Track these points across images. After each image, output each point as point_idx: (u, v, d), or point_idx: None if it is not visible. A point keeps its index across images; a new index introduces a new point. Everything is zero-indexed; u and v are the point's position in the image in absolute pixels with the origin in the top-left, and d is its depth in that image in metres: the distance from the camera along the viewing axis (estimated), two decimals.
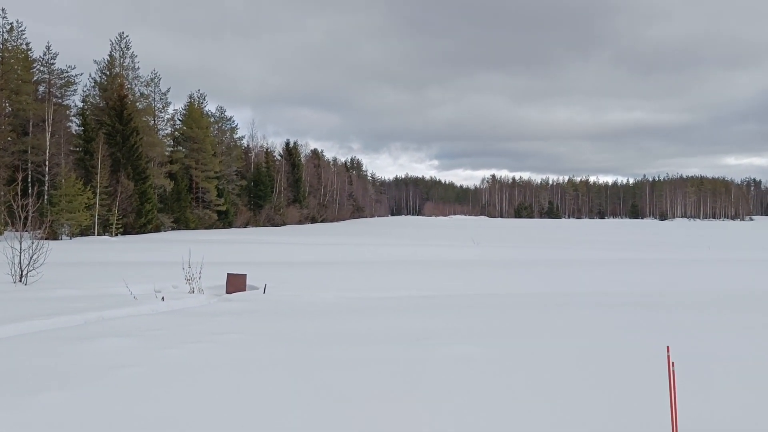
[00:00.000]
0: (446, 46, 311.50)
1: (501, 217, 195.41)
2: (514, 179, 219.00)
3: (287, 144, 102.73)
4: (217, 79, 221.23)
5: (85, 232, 48.06)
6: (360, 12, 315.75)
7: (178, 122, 72.71)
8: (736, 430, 5.35)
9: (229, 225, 73.56)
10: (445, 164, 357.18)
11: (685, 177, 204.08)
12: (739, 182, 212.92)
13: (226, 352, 8.25)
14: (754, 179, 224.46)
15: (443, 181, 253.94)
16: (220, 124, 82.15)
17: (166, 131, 70.73)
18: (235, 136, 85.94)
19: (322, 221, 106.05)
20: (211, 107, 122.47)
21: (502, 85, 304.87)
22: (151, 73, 66.78)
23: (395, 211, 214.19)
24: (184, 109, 73.10)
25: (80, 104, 58.63)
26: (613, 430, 5.32)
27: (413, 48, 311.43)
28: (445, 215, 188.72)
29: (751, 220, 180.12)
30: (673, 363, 5.10)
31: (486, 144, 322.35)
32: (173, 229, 62.06)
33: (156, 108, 67.19)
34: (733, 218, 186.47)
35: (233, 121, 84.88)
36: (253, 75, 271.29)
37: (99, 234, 49.42)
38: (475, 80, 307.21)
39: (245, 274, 16.51)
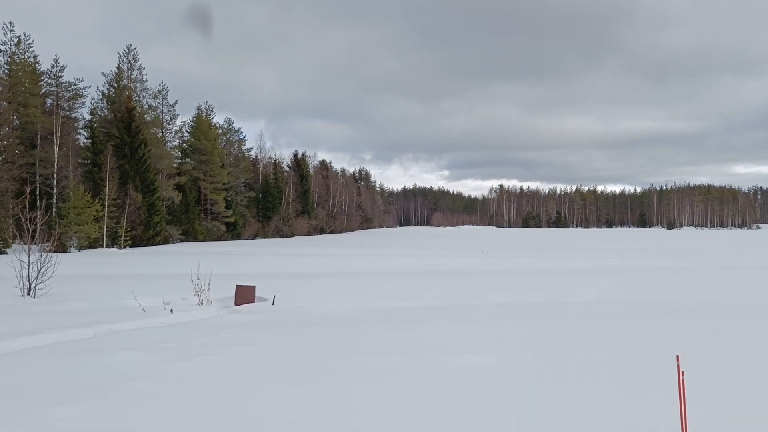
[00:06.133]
0: (461, 58, 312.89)
1: (509, 226, 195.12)
2: (521, 189, 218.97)
3: (295, 155, 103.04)
4: (232, 92, 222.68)
5: (93, 244, 48.18)
6: (378, 25, 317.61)
7: (186, 134, 73.05)
8: None
9: (237, 237, 73.64)
10: (456, 174, 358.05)
11: (692, 185, 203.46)
12: (746, 191, 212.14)
13: (236, 365, 8.26)
14: (761, 187, 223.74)
15: (451, 192, 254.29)
16: (228, 136, 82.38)
17: (174, 143, 70.99)
18: (244, 148, 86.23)
19: (330, 232, 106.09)
20: (219, 119, 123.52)
21: (514, 95, 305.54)
22: (159, 85, 67.18)
23: (403, 222, 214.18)
24: (192, 121, 73.45)
25: (88, 117, 58.94)
26: None
27: (429, 60, 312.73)
28: (453, 225, 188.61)
29: (758, 228, 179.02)
30: (683, 372, 5.11)
31: (497, 154, 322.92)
32: (182, 241, 62.16)
33: (164, 120, 67.46)
34: (740, 227, 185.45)
35: (241, 133, 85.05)
36: (269, 87, 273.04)
37: (107, 246, 49.53)
38: (488, 90, 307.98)
39: (254, 286, 16.51)
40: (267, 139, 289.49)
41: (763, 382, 7.19)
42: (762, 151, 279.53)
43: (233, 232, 73.20)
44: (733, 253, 49.52)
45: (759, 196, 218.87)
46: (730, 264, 34.55)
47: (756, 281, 23.42)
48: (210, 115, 76.95)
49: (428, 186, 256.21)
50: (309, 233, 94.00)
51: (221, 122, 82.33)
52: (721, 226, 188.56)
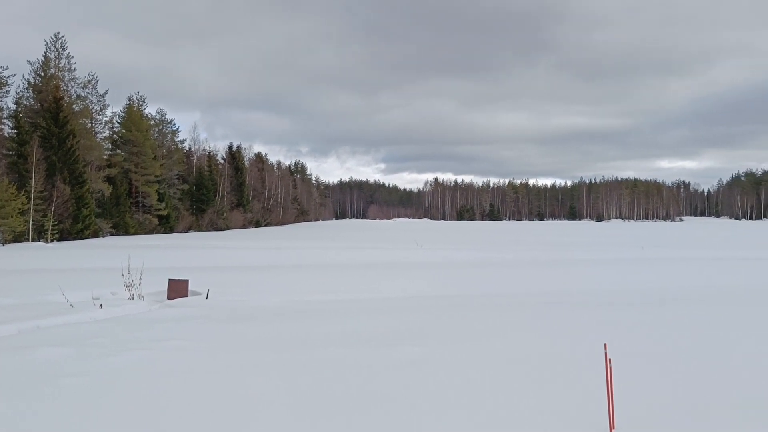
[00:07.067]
0: (400, 52, 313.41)
1: (444, 219, 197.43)
2: (456, 182, 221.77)
3: (230, 147, 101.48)
4: (167, 82, 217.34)
5: (18, 238, 46.46)
6: (318, 17, 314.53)
7: (116, 125, 71.00)
8: (670, 423, 5.55)
9: (170, 230, 72.18)
10: (392, 168, 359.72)
11: (620, 180, 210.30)
12: (670, 185, 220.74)
13: (169, 360, 8.17)
14: (684, 182, 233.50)
15: (387, 185, 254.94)
16: (160, 127, 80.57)
17: (104, 134, 68.88)
18: (177, 140, 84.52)
19: (266, 225, 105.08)
20: (151, 110, 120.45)
21: (451, 90, 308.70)
22: (89, 74, 65.04)
23: (340, 215, 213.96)
24: (123, 112, 71.46)
25: (13, 106, 56.65)
26: (553, 427, 5.46)
27: (368, 53, 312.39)
28: (389, 218, 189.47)
29: (681, 220, 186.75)
30: (610, 360, 5.32)
31: (433, 148, 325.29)
32: (112, 234, 60.54)
33: (93, 110, 65.42)
34: (664, 219, 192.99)
35: (174, 124, 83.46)
36: (205, 78, 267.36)
37: (33, 240, 47.85)
38: (425, 85, 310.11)
39: (187, 280, 16.30)
40: (202, 130, 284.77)
41: (688, 370, 7.48)
42: (684, 147, 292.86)
43: (166, 225, 71.75)
44: (658, 245, 51.53)
45: (681, 190, 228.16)
46: (656, 256, 35.96)
47: (681, 272, 24.46)
48: (142, 105, 75.13)
49: (364, 179, 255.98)
50: (244, 226, 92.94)
51: (154, 113, 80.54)
52: (647, 218, 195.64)
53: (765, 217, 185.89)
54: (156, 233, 68.15)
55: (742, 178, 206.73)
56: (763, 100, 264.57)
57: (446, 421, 5.63)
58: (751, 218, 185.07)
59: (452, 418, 5.71)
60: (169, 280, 16.14)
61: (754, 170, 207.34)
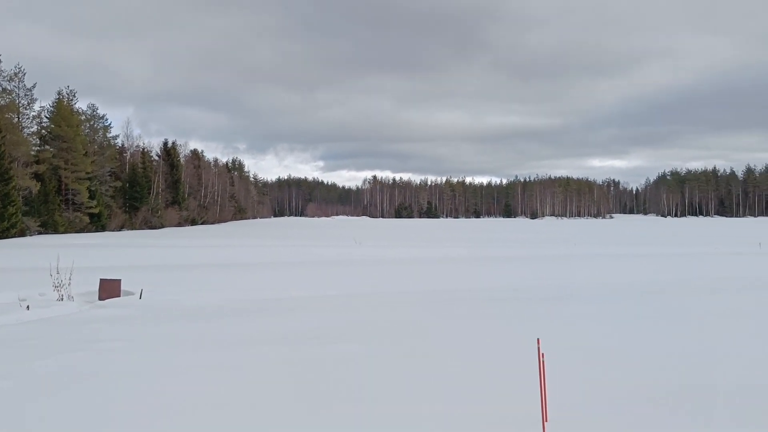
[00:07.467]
0: (338, 48, 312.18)
1: (382, 217, 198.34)
2: (394, 180, 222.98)
3: (165, 144, 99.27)
4: (99, 77, 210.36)
5: None
6: (254, 12, 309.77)
7: (45, 120, 68.61)
8: (601, 414, 5.75)
9: (102, 228, 70.25)
10: (331, 165, 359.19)
11: (553, 178, 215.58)
12: (601, 183, 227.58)
13: (101, 361, 8.09)
14: (614, 180, 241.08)
15: (326, 182, 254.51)
16: (92, 123, 78.30)
17: (32, 129, 66.42)
18: (109, 135, 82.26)
19: (202, 223, 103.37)
20: (82, 104, 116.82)
21: (389, 87, 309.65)
22: (15, 67, 62.62)
23: (278, 213, 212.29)
24: (52, 107, 69.10)
25: None
26: (488, 420, 5.59)
27: (306, 50, 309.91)
28: (327, 216, 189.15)
29: (611, 218, 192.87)
30: (543, 354, 5.39)
31: (371, 145, 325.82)
32: (40, 233, 58.52)
33: (20, 104, 63.04)
34: (595, 216, 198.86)
35: (107, 120, 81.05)
36: (140, 73, 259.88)
37: None
38: (363, 83, 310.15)
39: (119, 280, 16.02)
40: (135, 126, 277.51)
41: (618, 362, 7.75)
42: (614, 146, 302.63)
43: (97, 223, 69.80)
44: (589, 242, 53.10)
45: (611, 188, 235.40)
46: (587, 252, 37.11)
47: (609, 268, 25.35)
48: (72, 100, 72.84)
49: (303, 176, 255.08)
50: (180, 224, 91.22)
51: (85, 108, 78.21)
52: (579, 215, 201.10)
53: (689, 214, 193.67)
54: (87, 232, 66.23)
55: (668, 177, 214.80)
56: (687, 101, 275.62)
57: (377, 416, 5.74)
58: (676, 215, 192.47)
59: (382, 413, 5.83)
60: (101, 280, 15.84)
61: (678, 169, 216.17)
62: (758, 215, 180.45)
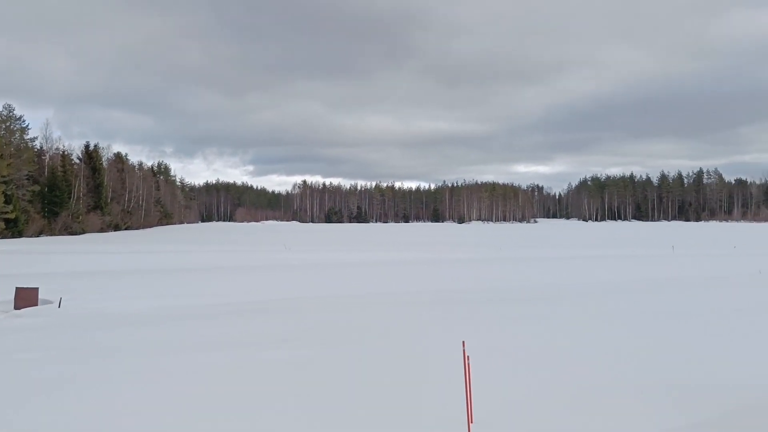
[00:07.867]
0: (268, 52, 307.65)
1: (312, 221, 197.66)
2: (324, 185, 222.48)
3: (87, 147, 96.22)
4: (16, 76, 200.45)
5: None
6: (182, 14, 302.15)
7: None
8: (526, 415, 5.89)
9: (19, 234, 67.59)
10: (260, 170, 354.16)
11: (480, 183, 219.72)
12: (525, 188, 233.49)
13: (15, 373, 7.92)
14: (538, 185, 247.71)
15: (255, 187, 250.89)
16: (8, 124, 75.32)
17: None
18: (27, 137, 79.24)
19: (126, 229, 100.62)
20: None
21: (319, 92, 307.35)
22: None
23: (206, 218, 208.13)
24: None
25: None
26: (413, 423, 5.68)
27: (236, 53, 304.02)
28: (257, 221, 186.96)
29: (536, 222, 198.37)
30: (468, 357, 5.47)
31: (302, 150, 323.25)
32: None
33: None
34: (520, 221, 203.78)
35: (24, 121, 78.03)
36: (61, 73, 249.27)
37: None
38: (293, 87, 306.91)
39: (37, 288, 15.75)
40: (56, 128, 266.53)
41: (541, 363, 7.98)
42: (538, 152, 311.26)
43: (14, 229, 67.12)
44: (515, 245, 54.64)
45: (536, 193, 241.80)
46: (513, 256, 38.28)
47: (534, 271, 26.34)
48: None
49: (232, 181, 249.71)
50: (102, 230, 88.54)
51: (0, 109, 75.09)
52: (505, 220, 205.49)
53: (609, 218, 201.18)
54: (3, 238, 63.63)
55: (589, 183, 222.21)
56: (607, 108, 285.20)
57: (306, 420, 5.96)
58: (596, 220, 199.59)
59: (311, 417, 6.02)
60: (17, 288, 15.53)
61: (598, 175, 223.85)
62: (671, 219, 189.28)
